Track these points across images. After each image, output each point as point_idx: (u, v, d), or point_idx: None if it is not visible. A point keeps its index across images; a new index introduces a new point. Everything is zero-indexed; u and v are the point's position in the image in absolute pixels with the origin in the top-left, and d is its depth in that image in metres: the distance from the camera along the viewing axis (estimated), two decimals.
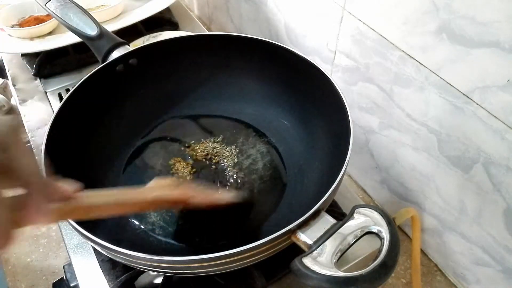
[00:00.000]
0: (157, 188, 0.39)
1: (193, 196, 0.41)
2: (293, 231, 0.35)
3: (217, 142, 0.57)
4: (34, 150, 0.63)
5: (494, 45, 0.42)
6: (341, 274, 0.31)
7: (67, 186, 0.29)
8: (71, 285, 0.50)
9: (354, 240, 0.34)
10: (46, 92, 0.73)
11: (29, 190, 0.23)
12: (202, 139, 0.57)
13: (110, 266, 0.47)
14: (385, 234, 0.33)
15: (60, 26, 0.78)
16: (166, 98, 0.60)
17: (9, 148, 0.22)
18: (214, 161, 0.55)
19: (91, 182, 0.49)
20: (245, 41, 0.55)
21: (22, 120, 0.69)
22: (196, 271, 0.36)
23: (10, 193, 0.23)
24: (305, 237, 0.35)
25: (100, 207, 0.33)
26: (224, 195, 0.46)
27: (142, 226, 0.49)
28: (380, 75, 0.59)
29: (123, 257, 0.35)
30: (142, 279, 0.46)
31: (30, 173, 0.23)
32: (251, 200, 0.51)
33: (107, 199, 0.34)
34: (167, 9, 0.87)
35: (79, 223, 0.36)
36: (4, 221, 0.21)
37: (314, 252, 0.33)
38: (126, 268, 0.46)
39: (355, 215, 0.35)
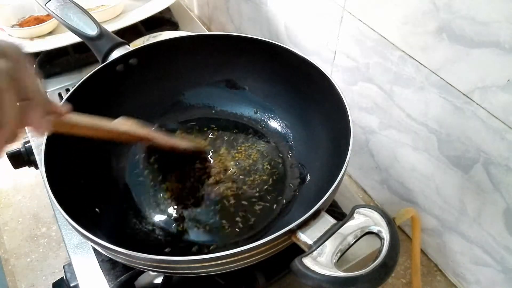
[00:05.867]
0: (126, 124, 0.48)
1: (155, 136, 0.50)
2: (293, 231, 0.35)
3: (216, 143, 0.57)
4: (34, 150, 0.63)
5: (494, 45, 0.42)
6: (341, 274, 0.31)
7: (61, 105, 0.37)
8: (71, 285, 0.50)
9: (354, 240, 0.34)
10: (46, 92, 0.73)
11: (33, 101, 0.30)
12: (202, 140, 0.57)
13: (110, 266, 0.47)
14: (385, 234, 0.33)
15: (60, 26, 0.78)
16: (166, 98, 0.60)
17: (18, 62, 0.28)
18: (213, 161, 0.55)
19: (92, 179, 0.49)
20: (245, 41, 0.55)
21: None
22: (196, 271, 0.36)
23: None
24: (305, 237, 0.35)
25: (81, 127, 0.40)
26: (181, 142, 0.55)
27: (142, 227, 0.49)
28: (380, 75, 0.59)
29: (123, 257, 0.35)
30: (142, 279, 0.46)
31: (34, 89, 0.30)
32: (204, 150, 0.55)
33: (88, 121, 0.41)
34: (167, 9, 0.87)
35: (79, 223, 0.36)
36: (14, 119, 0.27)
37: (314, 252, 0.33)
38: (126, 268, 0.46)
39: (355, 215, 0.35)
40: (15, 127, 0.28)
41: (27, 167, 0.65)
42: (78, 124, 0.40)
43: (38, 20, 0.79)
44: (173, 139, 0.54)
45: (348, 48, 0.63)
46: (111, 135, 0.45)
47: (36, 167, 0.64)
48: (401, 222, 0.60)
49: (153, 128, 0.52)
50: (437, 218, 0.60)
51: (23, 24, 0.80)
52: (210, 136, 0.58)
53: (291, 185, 0.52)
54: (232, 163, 0.54)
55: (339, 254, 0.33)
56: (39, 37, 0.76)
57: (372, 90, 0.61)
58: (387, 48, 0.55)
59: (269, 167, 0.54)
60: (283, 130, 0.57)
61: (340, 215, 0.51)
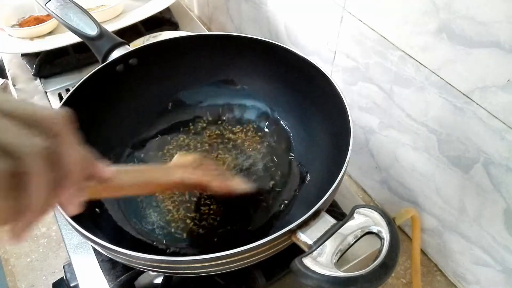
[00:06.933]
0: (181, 168, 0.41)
1: (212, 181, 0.43)
2: (293, 231, 0.35)
3: (216, 143, 0.57)
4: None
5: (494, 45, 0.42)
6: (341, 274, 0.31)
7: (104, 167, 0.29)
8: (71, 285, 0.50)
9: (354, 240, 0.34)
10: (46, 92, 0.73)
11: (67, 179, 0.24)
12: (202, 140, 0.57)
13: (110, 266, 0.47)
14: (385, 234, 0.33)
15: (60, 26, 0.78)
16: (166, 97, 0.60)
17: (58, 136, 0.23)
18: (213, 161, 0.55)
19: None
20: (245, 41, 0.55)
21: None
22: (196, 271, 0.36)
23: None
24: (305, 237, 0.35)
25: (128, 187, 0.34)
26: (240, 184, 0.47)
27: (142, 226, 0.49)
28: (380, 75, 0.59)
29: (123, 257, 0.35)
30: (142, 279, 0.46)
31: (73, 165, 0.24)
32: (262, 191, 0.51)
33: (136, 179, 0.35)
34: (167, 9, 0.87)
35: (79, 223, 0.36)
36: (41, 204, 0.22)
37: (314, 252, 0.33)
38: (126, 268, 0.46)
39: (355, 215, 0.35)
40: (40, 210, 0.22)
41: None
42: (123, 185, 0.34)
43: (38, 20, 0.79)
44: (231, 182, 0.46)
45: (348, 48, 0.63)
46: (163, 188, 0.40)
47: None
48: (401, 222, 0.60)
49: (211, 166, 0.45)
50: (437, 218, 0.60)
51: (23, 24, 0.80)
52: (209, 135, 0.58)
53: (291, 185, 0.52)
54: (232, 163, 0.54)
55: (339, 254, 0.33)
56: (39, 37, 0.76)
57: (372, 90, 0.61)
58: (387, 48, 0.55)
59: (269, 167, 0.54)
60: (283, 131, 0.57)
61: (340, 215, 0.51)
